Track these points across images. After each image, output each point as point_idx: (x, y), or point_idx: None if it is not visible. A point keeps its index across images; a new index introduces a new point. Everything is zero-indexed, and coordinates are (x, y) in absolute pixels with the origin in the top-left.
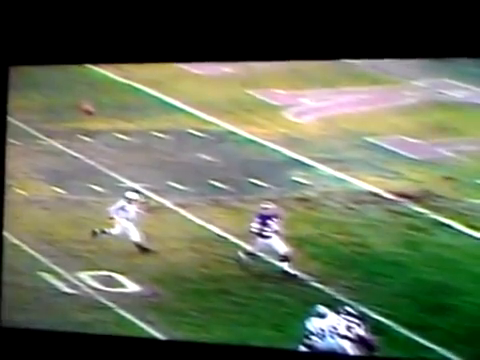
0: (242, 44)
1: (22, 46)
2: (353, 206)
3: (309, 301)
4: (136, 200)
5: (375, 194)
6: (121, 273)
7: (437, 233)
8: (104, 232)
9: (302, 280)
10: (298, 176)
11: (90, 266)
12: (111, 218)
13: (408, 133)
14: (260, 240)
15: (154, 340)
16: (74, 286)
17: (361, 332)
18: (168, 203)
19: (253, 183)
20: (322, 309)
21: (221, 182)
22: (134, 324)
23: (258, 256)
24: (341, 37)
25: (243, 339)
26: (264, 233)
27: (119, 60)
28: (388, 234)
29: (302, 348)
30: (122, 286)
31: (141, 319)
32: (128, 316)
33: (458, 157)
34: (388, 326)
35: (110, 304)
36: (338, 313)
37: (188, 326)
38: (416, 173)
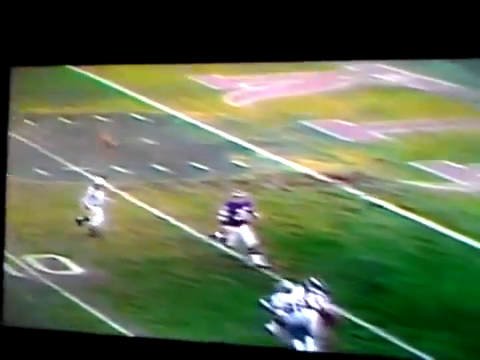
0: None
1: (24, 47)
2: (289, 188)
3: (250, 282)
4: (103, 185)
5: (310, 176)
6: (66, 256)
7: (370, 214)
8: (87, 220)
9: (242, 261)
10: (237, 159)
11: (36, 249)
12: (87, 208)
13: (342, 116)
14: (229, 229)
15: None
16: (21, 269)
17: (325, 305)
18: (111, 186)
19: (193, 166)
20: (287, 284)
21: (162, 165)
22: (78, 306)
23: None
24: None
25: (184, 320)
26: (233, 222)
27: (122, 61)
28: (322, 215)
29: (271, 325)
30: (67, 269)
31: (85, 301)
32: (73, 298)
33: (390, 139)
34: None
35: (55, 287)
36: (304, 285)
37: (130, 308)
38: (349, 155)
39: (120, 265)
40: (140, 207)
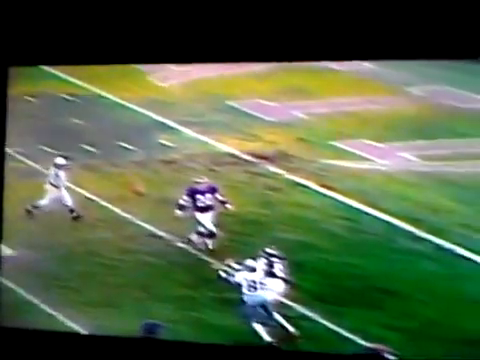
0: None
1: (22, 47)
2: (215, 168)
3: (175, 261)
4: (64, 165)
5: (235, 156)
6: None
7: (292, 193)
8: (36, 207)
9: (168, 241)
10: (164, 139)
11: None
12: (54, 186)
13: (266, 97)
14: (193, 215)
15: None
16: None
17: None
18: (40, 168)
19: (122, 146)
20: (251, 263)
21: (92, 146)
22: (10, 289)
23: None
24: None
25: (114, 301)
26: (197, 208)
27: (119, 61)
28: (247, 195)
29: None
30: None
31: (17, 284)
32: (4, 280)
33: (311, 119)
34: None
35: None
36: (265, 258)
37: (61, 289)
38: (272, 135)
39: (50, 246)
40: (69, 188)
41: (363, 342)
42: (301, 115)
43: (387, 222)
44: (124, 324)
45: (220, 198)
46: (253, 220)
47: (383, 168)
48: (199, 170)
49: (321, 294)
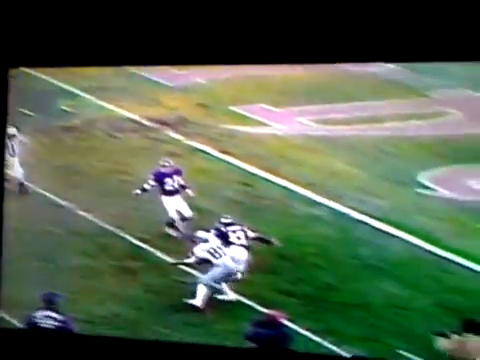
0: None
1: (21, 48)
2: (116, 134)
3: (75, 230)
4: (15, 136)
5: (135, 121)
6: None
7: (193, 159)
8: (22, 184)
9: (70, 210)
10: (65, 105)
11: None
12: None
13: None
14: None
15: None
16: None
17: (252, 234)
18: None
19: (24, 113)
20: (203, 234)
21: None
22: None
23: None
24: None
25: (12, 270)
26: (165, 192)
27: (121, 63)
28: (150, 162)
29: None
30: None
31: None
32: None
33: (210, 84)
34: (145, 251)
35: None
36: (217, 229)
37: None
38: (173, 100)
39: None
40: None
41: (260, 308)
42: (201, 80)
43: (284, 187)
44: (24, 294)
45: (181, 182)
46: None
47: (280, 133)
48: (99, 136)
49: None
